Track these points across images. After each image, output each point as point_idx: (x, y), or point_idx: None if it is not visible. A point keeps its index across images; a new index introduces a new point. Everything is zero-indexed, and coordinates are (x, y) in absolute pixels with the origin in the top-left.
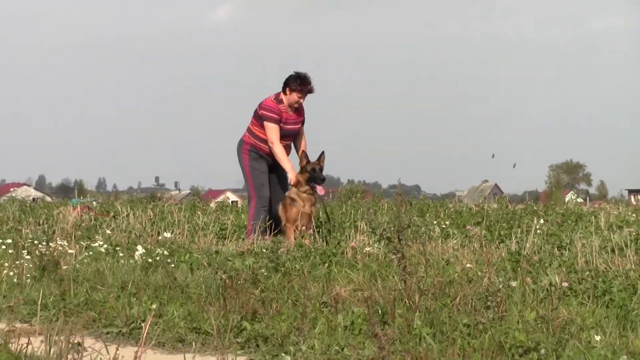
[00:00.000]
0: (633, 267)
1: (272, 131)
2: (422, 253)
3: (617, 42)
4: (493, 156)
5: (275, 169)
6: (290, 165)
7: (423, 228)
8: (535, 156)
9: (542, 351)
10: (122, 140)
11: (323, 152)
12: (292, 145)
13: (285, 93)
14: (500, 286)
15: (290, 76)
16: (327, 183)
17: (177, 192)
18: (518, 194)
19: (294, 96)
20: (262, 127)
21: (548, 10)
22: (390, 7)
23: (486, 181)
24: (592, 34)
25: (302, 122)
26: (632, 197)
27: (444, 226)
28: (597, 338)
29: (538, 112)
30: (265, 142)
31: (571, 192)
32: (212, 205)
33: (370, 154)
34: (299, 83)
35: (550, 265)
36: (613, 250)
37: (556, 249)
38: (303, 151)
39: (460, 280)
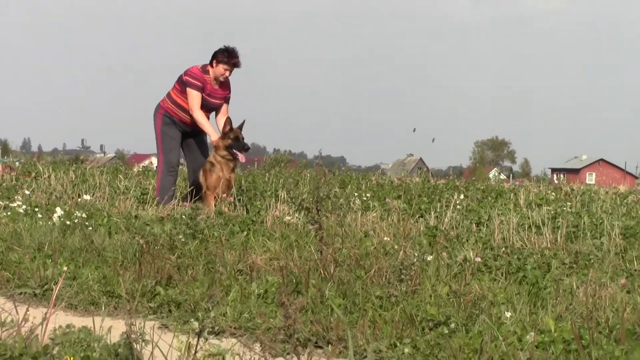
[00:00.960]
0: (548, 245)
1: (194, 98)
2: (340, 224)
3: (549, 23)
4: (414, 130)
5: (195, 136)
6: (212, 128)
7: (342, 200)
8: (462, 132)
9: (452, 325)
10: (50, 101)
11: (244, 121)
12: (214, 120)
13: (212, 65)
14: (415, 260)
15: (219, 49)
16: (254, 151)
17: (102, 155)
18: (442, 168)
19: (220, 68)
20: (184, 93)
21: None
22: None
23: (411, 155)
24: (526, 15)
25: (227, 100)
26: (555, 176)
27: (365, 198)
28: (508, 314)
29: (468, 89)
30: (182, 109)
31: (495, 169)
32: (135, 169)
33: (299, 124)
34: (226, 55)
35: (467, 240)
36: (530, 228)
37: (474, 225)
38: (228, 117)
39: (377, 253)
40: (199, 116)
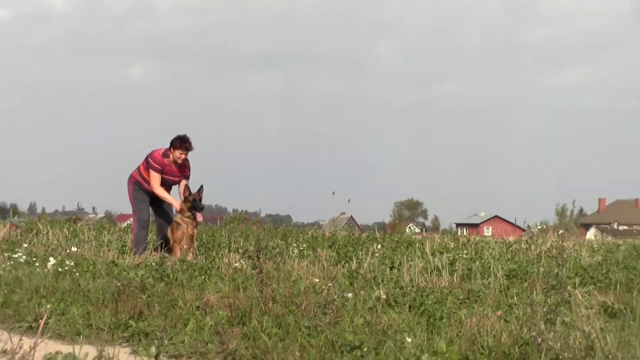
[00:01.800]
0: (446, 284)
1: (155, 179)
2: (276, 269)
3: (455, 104)
4: (333, 193)
5: (160, 202)
6: (172, 198)
7: (278, 249)
8: (385, 194)
9: (365, 349)
10: (53, 170)
11: (202, 186)
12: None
13: (171, 151)
14: (335, 297)
15: (174, 137)
16: (216, 211)
17: (94, 215)
18: (369, 224)
19: (177, 153)
20: (148, 171)
21: (405, 77)
22: (281, 70)
23: (343, 213)
24: (437, 97)
25: (187, 177)
26: (459, 229)
27: (302, 248)
28: (409, 340)
29: (389, 159)
30: (148, 182)
31: (411, 224)
32: (123, 225)
33: (255, 188)
34: (179, 142)
35: (382, 281)
36: (433, 271)
37: (388, 268)
38: (186, 185)
39: (307, 292)
40: (159, 191)
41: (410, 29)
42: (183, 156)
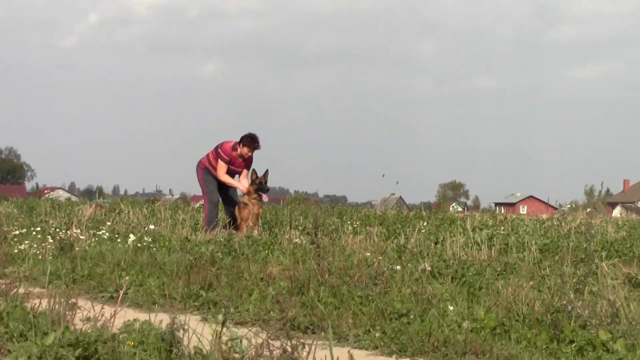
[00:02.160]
0: (485, 257)
1: (222, 168)
2: (332, 244)
3: (492, 95)
4: (383, 175)
5: (227, 186)
6: (237, 183)
7: (333, 226)
8: (431, 177)
9: (411, 316)
10: (135, 156)
11: (267, 170)
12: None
13: (239, 146)
14: (385, 269)
15: (244, 135)
16: (279, 192)
17: (171, 196)
18: (416, 204)
19: (245, 150)
20: (216, 159)
21: (444, 70)
22: (336, 66)
23: (393, 194)
24: (476, 89)
25: (248, 168)
26: (497, 208)
27: (355, 226)
28: (451, 308)
29: (435, 144)
30: (215, 169)
31: (454, 203)
32: (196, 205)
33: (314, 171)
34: (249, 142)
35: (427, 255)
36: (473, 246)
37: (433, 243)
38: (253, 169)
39: (360, 265)
40: (225, 178)
41: (451, 29)
42: (250, 154)
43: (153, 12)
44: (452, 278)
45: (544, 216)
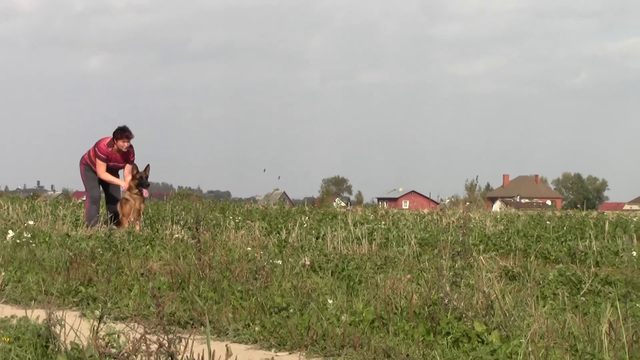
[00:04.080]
0: (365, 252)
1: (100, 166)
2: (213, 239)
3: (378, 91)
4: (264, 170)
5: (108, 183)
6: (117, 180)
7: (215, 221)
8: (315, 172)
9: (291, 310)
10: (15, 151)
11: (148, 165)
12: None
13: (114, 141)
14: (266, 263)
15: (115, 129)
16: (163, 188)
17: (53, 192)
18: (300, 199)
19: (120, 142)
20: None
21: (331, 65)
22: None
23: (277, 189)
24: (361, 84)
25: (131, 162)
26: (380, 203)
27: (237, 220)
28: (330, 301)
29: (319, 140)
30: (95, 166)
31: (337, 198)
32: (77, 201)
33: (197, 166)
34: (120, 134)
35: (308, 249)
36: (354, 240)
37: (314, 238)
38: (134, 164)
39: (241, 259)
40: (105, 177)
41: (339, 24)
42: (126, 144)
43: (36, 5)
44: (332, 272)
45: (425, 211)
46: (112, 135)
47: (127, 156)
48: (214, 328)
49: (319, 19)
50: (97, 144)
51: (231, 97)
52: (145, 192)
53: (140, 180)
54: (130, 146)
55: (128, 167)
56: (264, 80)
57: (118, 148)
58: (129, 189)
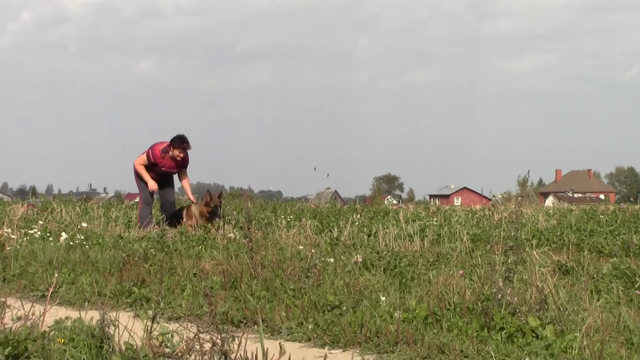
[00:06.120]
0: (417, 248)
1: (141, 161)
2: (265, 238)
3: (428, 89)
4: (315, 169)
5: (164, 183)
6: (148, 177)
7: (266, 220)
8: (367, 171)
9: (344, 308)
10: (69, 155)
11: (222, 192)
12: (178, 177)
13: (170, 149)
14: (317, 262)
15: (174, 138)
16: (214, 189)
17: (105, 194)
18: (352, 197)
19: (176, 152)
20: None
21: (379, 65)
22: (272, 63)
23: (328, 188)
24: (413, 84)
25: (184, 167)
26: (431, 200)
27: (289, 219)
28: (383, 299)
29: (371, 138)
30: (150, 168)
31: (389, 196)
32: (130, 203)
33: (249, 166)
34: (178, 143)
35: (360, 247)
36: (406, 237)
37: (366, 235)
38: (208, 191)
39: (293, 258)
40: (140, 169)
41: (386, 24)
42: (182, 154)
43: (87, 10)
44: (384, 269)
45: (477, 207)
46: (169, 142)
47: (182, 163)
48: (267, 327)
49: (366, 19)
50: (152, 147)
51: (281, 98)
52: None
53: (214, 210)
54: (186, 154)
55: (185, 171)
56: (313, 80)
57: (173, 156)
58: (200, 214)
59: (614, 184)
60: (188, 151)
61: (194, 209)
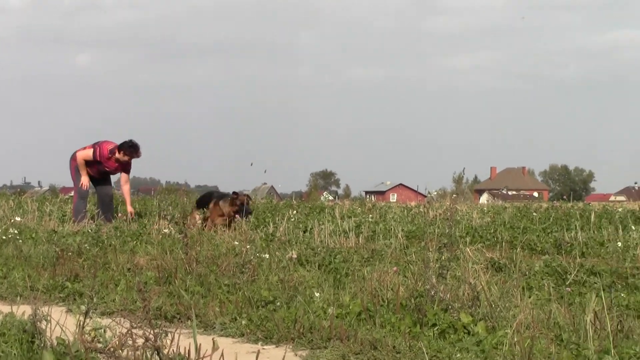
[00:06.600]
0: (352, 245)
1: (85, 155)
2: (200, 234)
3: (367, 85)
4: (252, 164)
5: (102, 178)
6: (85, 173)
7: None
8: (304, 165)
9: (278, 303)
10: (2, 148)
11: (248, 196)
12: (120, 182)
13: (119, 152)
14: (252, 257)
15: (126, 143)
16: (150, 183)
17: (39, 188)
18: (288, 193)
19: (124, 156)
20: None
21: (323, 60)
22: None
23: (265, 183)
24: (353, 79)
25: (127, 171)
26: (367, 196)
27: None
28: (317, 294)
29: (308, 134)
30: (90, 164)
31: (325, 192)
32: (65, 197)
33: (184, 161)
34: (130, 151)
35: (295, 243)
36: (341, 233)
37: (302, 232)
38: (235, 193)
39: (228, 253)
40: (81, 163)
41: (330, 20)
42: (127, 159)
43: (25, 2)
44: (319, 265)
45: (413, 204)
46: (119, 145)
47: (125, 166)
48: (200, 322)
49: (310, 15)
50: (100, 146)
51: (219, 93)
52: (238, 218)
53: (241, 207)
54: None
55: (126, 176)
56: (252, 76)
57: (118, 159)
58: (228, 212)
59: (548, 182)
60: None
61: (223, 209)
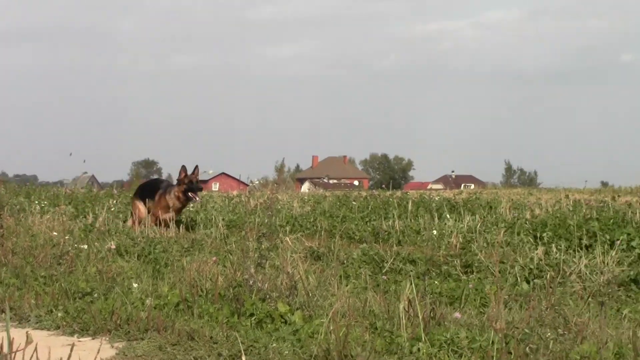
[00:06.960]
0: (173, 235)
1: None
2: (17, 224)
3: (190, 73)
4: (70, 154)
5: None
6: None
7: (18, 206)
8: (126, 154)
9: (95, 295)
10: None
11: (197, 166)
12: None
13: None
14: (70, 248)
15: None
16: None
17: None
18: (109, 182)
19: None
20: None
21: (143, 47)
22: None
23: (85, 173)
24: (175, 67)
25: None
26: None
27: (44, 205)
28: (135, 285)
29: (129, 122)
30: None
31: None
32: None
33: (3, 149)
34: None
35: (115, 233)
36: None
37: (122, 222)
38: (183, 165)
39: (45, 244)
40: None
41: (150, 6)
42: None
43: None
44: (138, 256)
45: (235, 193)
46: None
47: None
48: (15, 315)
49: (130, 1)
50: None
51: (37, 80)
52: (196, 198)
53: (189, 185)
54: None
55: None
56: (70, 64)
57: None
58: (177, 197)
59: (368, 170)
60: None
61: (169, 198)
